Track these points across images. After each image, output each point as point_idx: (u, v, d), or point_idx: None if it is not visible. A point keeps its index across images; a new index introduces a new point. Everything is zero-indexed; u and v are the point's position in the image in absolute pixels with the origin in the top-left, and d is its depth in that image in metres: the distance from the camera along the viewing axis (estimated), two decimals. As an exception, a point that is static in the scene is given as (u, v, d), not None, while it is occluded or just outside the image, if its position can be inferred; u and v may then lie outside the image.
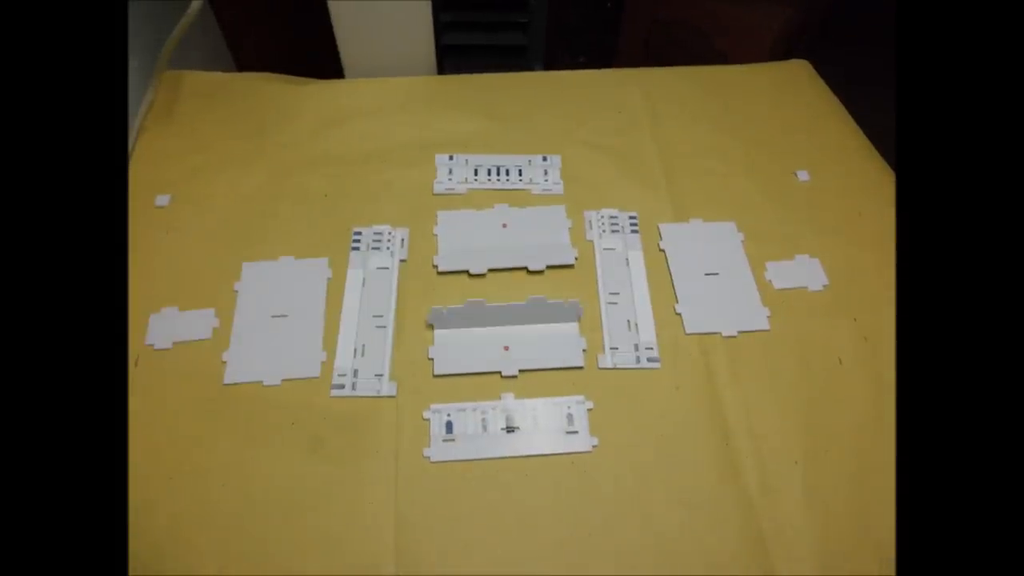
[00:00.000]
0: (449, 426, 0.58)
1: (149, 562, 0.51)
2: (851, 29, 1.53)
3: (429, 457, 0.57)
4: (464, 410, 0.59)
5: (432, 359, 0.62)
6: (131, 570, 0.46)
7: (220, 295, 0.65)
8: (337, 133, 0.81)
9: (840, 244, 0.72)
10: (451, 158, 0.78)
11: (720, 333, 0.65)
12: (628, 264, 0.69)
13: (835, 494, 0.56)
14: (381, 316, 0.64)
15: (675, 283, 0.68)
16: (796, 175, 0.79)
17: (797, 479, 0.56)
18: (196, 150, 0.78)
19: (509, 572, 0.52)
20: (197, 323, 0.63)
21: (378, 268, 0.68)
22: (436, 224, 0.71)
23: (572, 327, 0.64)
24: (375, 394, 0.60)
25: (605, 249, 0.70)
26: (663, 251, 0.71)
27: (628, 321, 0.65)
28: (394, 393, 0.60)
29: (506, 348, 0.63)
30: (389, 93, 0.87)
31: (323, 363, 0.61)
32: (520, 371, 0.61)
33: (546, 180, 0.77)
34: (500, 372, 0.61)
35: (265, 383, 0.60)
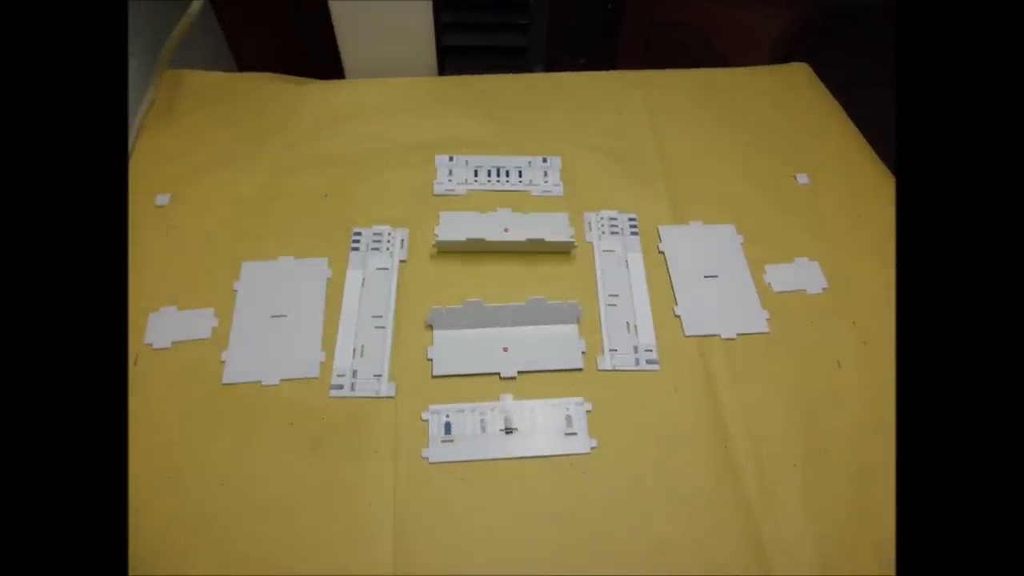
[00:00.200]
0: (448, 427, 0.58)
1: (148, 562, 0.51)
2: (851, 32, 1.53)
3: (427, 458, 0.57)
4: (463, 411, 0.59)
5: (431, 360, 0.62)
6: (131, 570, 0.46)
7: (219, 295, 0.65)
8: (337, 133, 0.81)
9: (839, 247, 0.72)
10: (451, 159, 0.78)
11: (719, 335, 0.65)
12: (627, 266, 0.69)
13: (834, 496, 0.56)
14: (380, 317, 0.64)
15: (674, 285, 0.68)
16: (796, 178, 0.79)
17: (796, 481, 0.56)
18: (196, 150, 0.78)
19: (507, 573, 0.52)
20: (196, 323, 0.63)
21: (378, 268, 0.68)
22: (438, 223, 0.71)
23: (571, 329, 0.64)
24: (374, 395, 0.60)
25: (604, 251, 0.70)
26: (662, 253, 0.71)
27: (627, 323, 0.65)
28: (393, 394, 0.60)
29: (505, 349, 0.63)
30: (390, 94, 0.87)
31: (322, 363, 0.61)
32: (519, 372, 0.61)
33: (546, 181, 0.77)
34: (499, 373, 0.61)
35: (264, 383, 0.60)
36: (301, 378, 0.61)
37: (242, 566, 0.51)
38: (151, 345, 0.62)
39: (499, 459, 0.57)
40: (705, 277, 0.69)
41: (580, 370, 0.62)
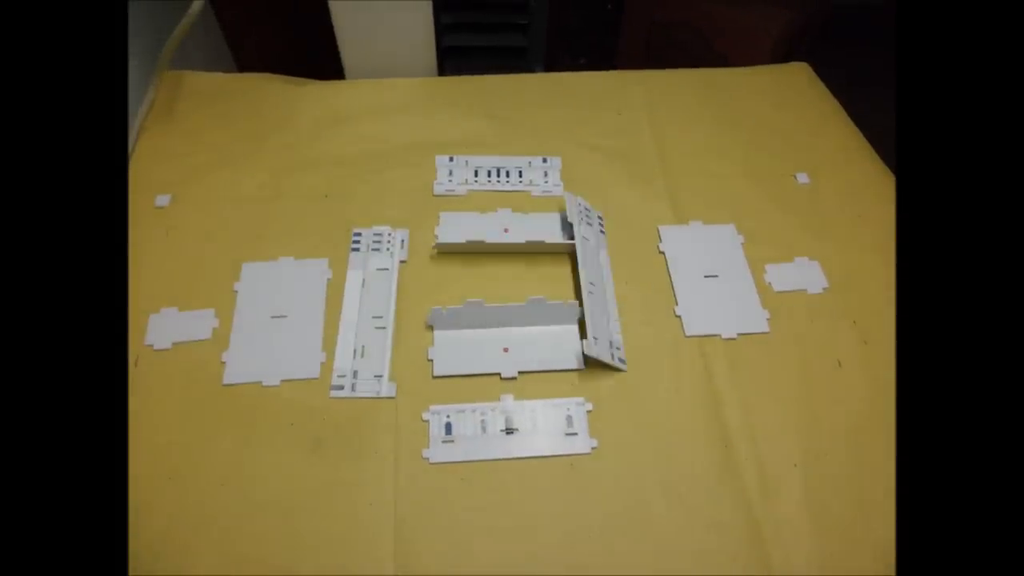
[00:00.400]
0: (448, 427, 0.58)
1: (148, 562, 0.51)
2: (851, 31, 1.53)
3: (428, 458, 0.57)
4: (463, 411, 0.59)
5: (431, 360, 0.62)
6: (131, 570, 0.46)
7: (220, 295, 0.65)
8: (337, 134, 0.81)
9: (840, 247, 0.72)
10: (451, 159, 0.78)
11: (720, 335, 0.65)
12: (600, 263, 0.69)
13: (834, 496, 0.56)
14: (381, 317, 0.64)
15: (675, 285, 0.68)
16: (796, 178, 0.79)
17: (796, 481, 0.56)
18: (196, 150, 0.78)
19: (508, 573, 0.52)
20: (197, 323, 0.63)
21: (378, 269, 0.68)
22: (438, 224, 0.71)
23: (572, 329, 0.64)
24: (374, 395, 0.60)
25: (583, 237, 0.69)
26: (663, 253, 0.71)
27: (606, 315, 0.65)
28: (393, 394, 0.60)
29: (505, 350, 0.63)
30: (390, 94, 0.87)
31: (323, 364, 0.61)
32: (519, 373, 0.61)
33: (546, 182, 0.77)
34: (499, 374, 0.61)
35: (264, 384, 0.60)
36: (302, 379, 0.61)
37: (242, 566, 0.51)
38: (152, 346, 0.62)
39: (500, 459, 0.57)
40: (705, 277, 0.69)
41: (581, 370, 0.62)
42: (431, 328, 0.64)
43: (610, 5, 1.43)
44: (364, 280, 0.67)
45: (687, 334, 0.65)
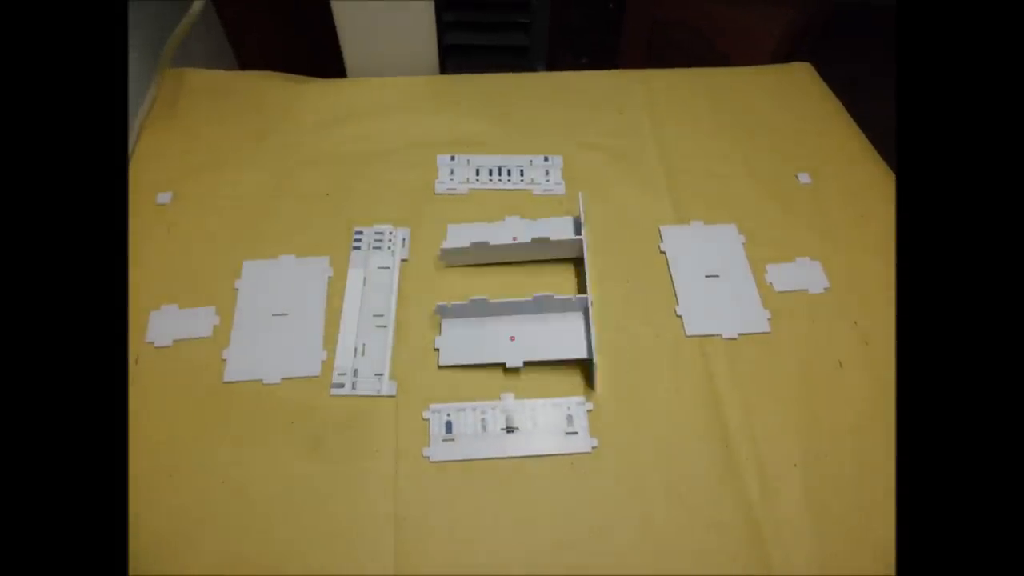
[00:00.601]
0: (449, 426, 0.58)
1: (149, 561, 0.51)
2: (853, 31, 1.53)
3: (428, 457, 0.57)
4: (464, 410, 0.59)
5: (438, 349, 0.62)
6: (131, 569, 0.46)
7: (221, 293, 0.65)
8: (339, 132, 0.81)
9: (841, 247, 0.72)
10: (452, 158, 0.78)
11: (720, 335, 0.65)
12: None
13: (834, 496, 0.56)
14: (382, 316, 0.64)
15: (675, 285, 0.68)
16: (797, 177, 0.79)
17: (797, 481, 0.56)
18: (198, 148, 0.78)
19: (508, 572, 0.52)
20: (197, 321, 0.63)
21: (379, 268, 0.68)
22: (445, 238, 0.71)
23: (578, 318, 0.64)
24: (375, 393, 0.60)
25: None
26: (663, 253, 0.71)
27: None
28: (394, 392, 0.60)
29: (512, 338, 0.62)
30: (391, 93, 0.87)
31: (323, 362, 0.61)
32: (525, 363, 0.61)
33: (547, 180, 0.77)
34: (504, 363, 0.61)
35: (265, 381, 0.60)
36: (302, 377, 0.61)
37: (242, 565, 0.51)
38: (152, 343, 0.62)
39: (500, 458, 0.57)
40: (706, 277, 0.69)
41: (586, 360, 0.61)
42: (434, 323, 0.63)
43: (612, 4, 1.43)
44: (365, 278, 0.67)
45: (688, 334, 0.65)
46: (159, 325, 0.63)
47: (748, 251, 0.71)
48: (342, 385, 0.60)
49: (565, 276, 0.69)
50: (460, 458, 0.57)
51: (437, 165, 0.78)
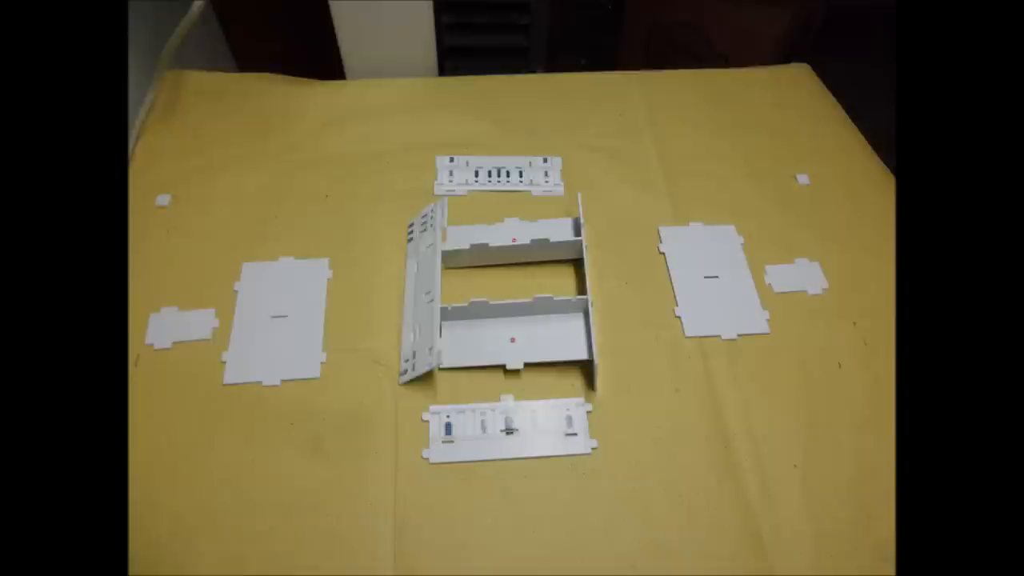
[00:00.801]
0: (448, 427, 0.58)
1: (149, 562, 0.51)
2: (852, 32, 1.53)
3: (428, 458, 0.57)
4: (463, 412, 0.59)
5: (438, 351, 0.61)
6: (131, 570, 0.46)
7: (220, 295, 0.65)
8: (338, 134, 0.81)
9: (840, 248, 0.72)
10: (452, 160, 0.78)
11: (720, 336, 0.65)
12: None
13: (834, 497, 0.56)
14: (429, 292, 0.63)
15: (675, 286, 0.68)
16: (796, 178, 0.79)
17: (796, 482, 0.56)
18: (197, 150, 0.78)
19: (508, 573, 0.52)
20: (197, 323, 0.63)
21: (427, 247, 0.67)
22: (444, 240, 0.70)
23: (578, 319, 0.64)
24: (429, 368, 0.59)
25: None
26: (663, 254, 0.71)
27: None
28: (442, 362, 0.60)
29: (512, 340, 0.62)
30: (390, 94, 0.87)
31: (323, 364, 0.61)
32: (526, 364, 0.61)
33: (547, 181, 0.77)
34: (505, 365, 0.61)
35: (265, 383, 0.60)
36: (302, 378, 0.60)
37: (242, 566, 0.51)
38: (152, 346, 0.62)
39: (500, 460, 0.57)
40: (705, 278, 0.69)
41: (587, 361, 0.61)
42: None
43: (610, 5, 1.42)
44: (417, 264, 0.67)
45: (687, 335, 0.65)
46: (158, 327, 0.63)
47: (747, 252, 0.71)
48: (406, 371, 0.60)
49: (564, 277, 0.69)
50: (460, 460, 0.57)
51: (436, 167, 0.78)
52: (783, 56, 1.19)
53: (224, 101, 0.84)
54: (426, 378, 0.61)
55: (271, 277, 0.67)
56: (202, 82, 0.86)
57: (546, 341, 0.63)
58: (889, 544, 0.53)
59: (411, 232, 0.71)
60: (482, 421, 0.59)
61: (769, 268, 0.70)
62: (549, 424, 0.59)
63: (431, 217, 0.70)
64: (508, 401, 0.60)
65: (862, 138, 0.85)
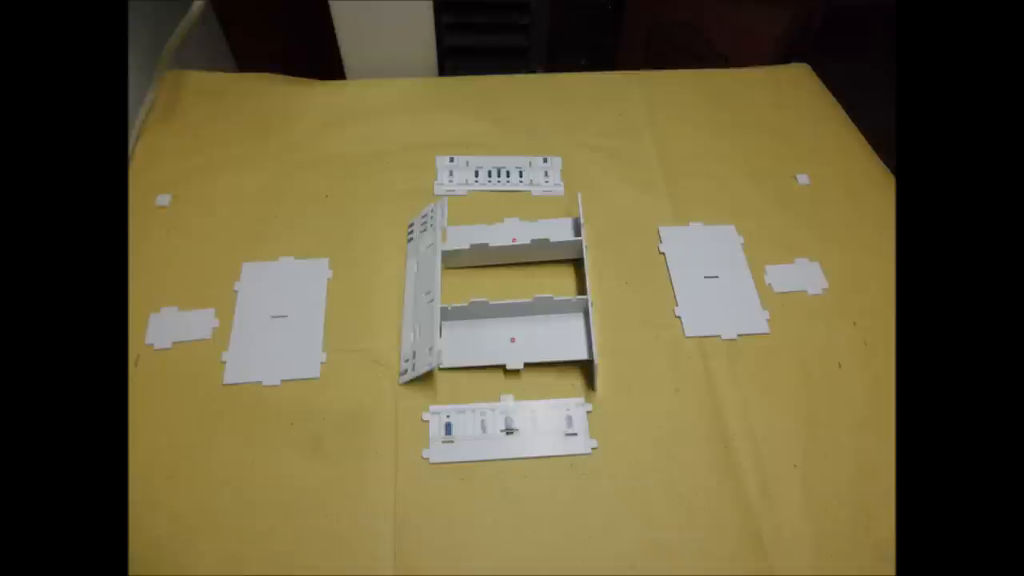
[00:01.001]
0: (448, 427, 0.58)
1: (149, 562, 0.51)
2: (852, 32, 1.53)
3: (428, 458, 0.57)
4: (463, 412, 0.59)
5: (438, 351, 0.61)
6: (131, 570, 0.46)
7: (220, 295, 0.65)
8: (338, 134, 0.81)
9: (840, 248, 0.72)
10: (452, 160, 0.78)
11: (720, 336, 0.65)
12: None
13: (834, 497, 0.56)
14: (429, 292, 0.63)
15: (675, 286, 0.68)
16: (796, 179, 0.79)
17: (796, 482, 0.56)
18: (197, 150, 0.78)
19: (508, 573, 0.52)
20: (197, 323, 0.63)
21: (427, 247, 0.67)
22: (444, 240, 0.70)
23: (578, 319, 0.64)
24: (429, 368, 0.59)
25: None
26: (663, 254, 0.71)
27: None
28: (441, 362, 0.60)
29: (512, 340, 0.62)
30: (390, 94, 0.87)
31: (323, 364, 0.61)
32: (526, 364, 0.61)
33: (547, 181, 0.77)
34: (505, 365, 0.61)
35: (265, 383, 0.60)
36: (302, 378, 0.60)
37: (242, 566, 0.51)
38: (152, 346, 0.62)
39: (500, 460, 0.57)
40: (705, 278, 0.69)
41: (587, 361, 0.61)
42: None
43: (610, 5, 1.42)
44: (417, 264, 0.67)
45: (687, 335, 0.65)
46: (158, 327, 0.63)
47: (747, 252, 0.71)
48: (406, 371, 0.60)
49: (564, 277, 0.69)
50: (460, 459, 0.57)
51: (436, 167, 0.78)
52: (783, 56, 1.19)
53: (224, 101, 0.84)
54: (426, 378, 0.60)
55: (271, 277, 0.67)
56: (202, 82, 0.86)
57: (546, 341, 0.63)
58: (889, 544, 0.53)
59: (411, 232, 0.71)
60: (482, 421, 0.59)
61: (769, 268, 0.70)
62: (549, 424, 0.59)
63: (431, 217, 0.70)
64: (508, 401, 0.60)
65: (862, 138, 0.85)
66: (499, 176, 0.77)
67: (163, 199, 0.73)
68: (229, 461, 0.56)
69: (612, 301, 0.67)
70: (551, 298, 0.62)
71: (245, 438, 0.57)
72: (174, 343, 0.62)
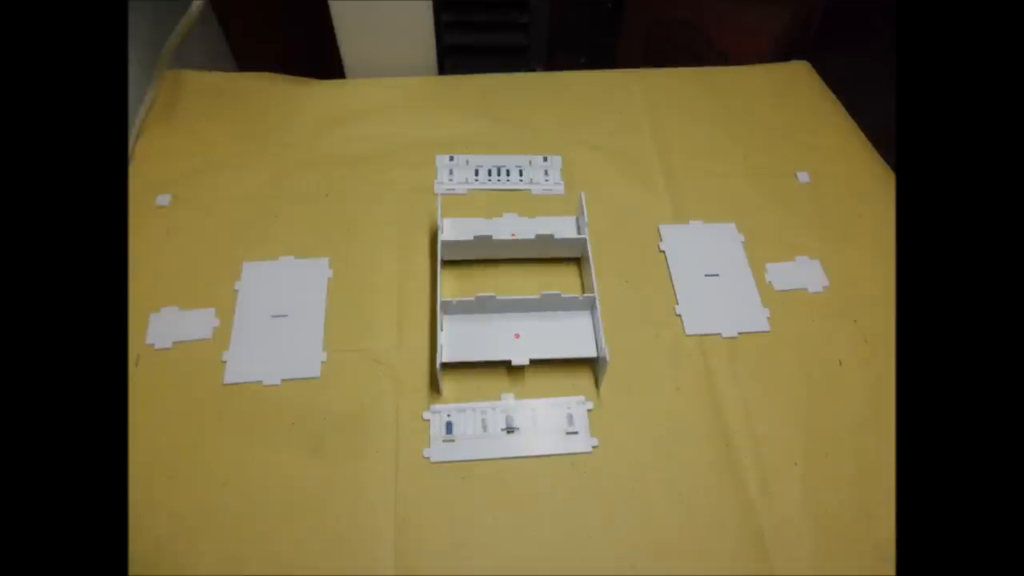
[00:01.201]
0: (449, 426, 0.58)
1: (149, 562, 0.51)
2: (851, 30, 1.53)
3: (429, 458, 0.57)
4: (464, 411, 0.59)
5: (441, 346, 0.61)
6: (131, 570, 0.46)
7: (220, 295, 0.65)
8: (338, 133, 0.81)
9: (840, 245, 0.72)
10: (451, 159, 0.78)
11: (720, 334, 0.65)
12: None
13: (835, 495, 0.56)
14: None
15: (675, 284, 0.68)
16: (796, 176, 0.79)
17: (797, 480, 0.56)
18: (197, 150, 0.78)
19: (508, 572, 0.52)
20: (197, 323, 0.63)
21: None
22: (442, 230, 0.69)
23: (584, 316, 0.64)
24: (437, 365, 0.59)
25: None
26: (663, 252, 0.71)
27: None
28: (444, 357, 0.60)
29: (517, 336, 0.62)
30: (390, 93, 0.87)
31: (323, 363, 0.61)
32: (531, 360, 0.60)
33: (547, 180, 0.77)
34: (510, 361, 0.60)
35: (265, 383, 0.60)
36: (302, 378, 0.60)
37: (243, 566, 0.51)
38: (152, 345, 0.62)
39: (501, 458, 0.57)
40: (706, 276, 0.69)
41: (593, 359, 0.61)
42: (435, 320, 0.63)
43: (610, 3, 1.42)
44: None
45: (687, 333, 0.65)
46: (159, 327, 0.63)
47: (747, 250, 0.71)
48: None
49: (565, 275, 0.69)
50: (461, 459, 0.57)
51: (436, 165, 0.78)
52: (783, 54, 1.18)
53: (223, 101, 0.84)
54: (424, 377, 0.61)
55: (271, 277, 0.67)
56: (201, 82, 0.86)
57: (552, 338, 0.62)
58: (889, 544, 0.53)
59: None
60: (483, 420, 0.59)
61: (769, 266, 0.70)
62: (550, 423, 0.59)
63: None
64: (509, 400, 0.60)
65: (862, 135, 0.84)
66: (499, 175, 0.77)
67: (163, 199, 0.73)
68: (229, 461, 0.56)
69: (612, 299, 0.67)
70: (559, 295, 0.62)
71: (245, 438, 0.57)
72: (174, 343, 0.62)
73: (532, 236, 0.67)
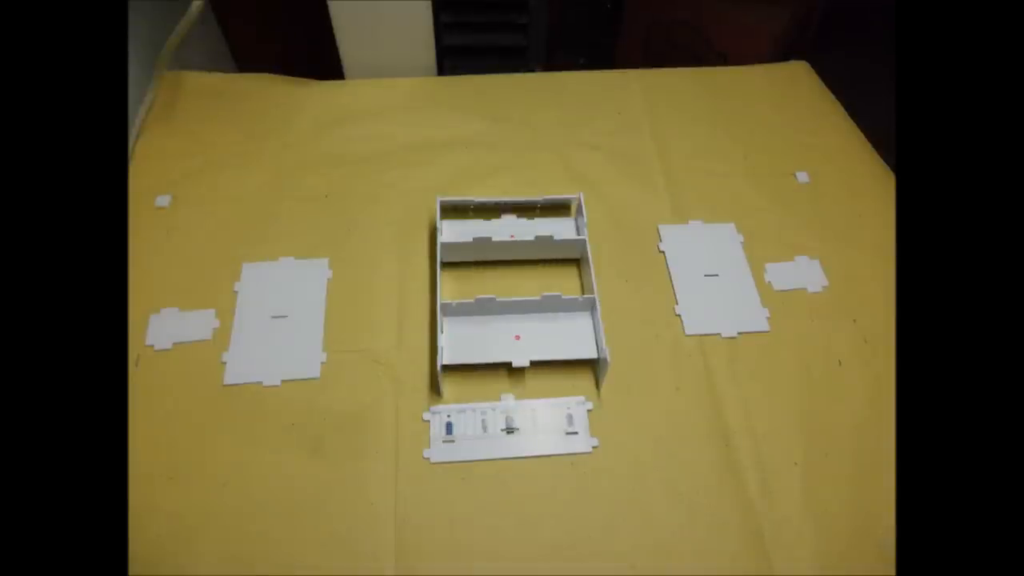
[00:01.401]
0: (449, 427, 0.58)
1: (149, 562, 0.51)
2: (851, 30, 1.53)
3: (429, 458, 0.57)
4: (464, 411, 0.59)
5: (441, 347, 0.61)
6: (131, 570, 0.46)
7: (220, 296, 0.65)
8: (337, 134, 0.81)
9: (840, 245, 0.72)
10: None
11: (720, 334, 0.65)
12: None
13: (834, 495, 0.56)
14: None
15: (675, 284, 0.68)
16: (796, 176, 0.79)
17: (796, 480, 0.56)
18: (197, 151, 0.78)
19: (508, 573, 0.52)
20: (197, 324, 0.63)
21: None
22: (440, 233, 0.68)
23: (585, 317, 0.64)
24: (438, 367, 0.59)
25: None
26: (663, 252, 0.71)
27: None
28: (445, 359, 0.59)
29: (517, 337, 0.62)
30: (389, 94, 0.87)
31: (323, 364, 0.61)
32: (532, 362, 0.60)
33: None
34: (511, 363, 0.60)
35: (265, 384, 0.60)
36: (302, 379, 0.60)
37: (242, 567, 0.51)
38: (152, 346, 0.62)
39: (500, 459, 0.57)
40: (705, 276, 0.69)
41: (594, 360, 0.61)
42: (434, 323, 0.63)
43: (609, 4, 1.42)
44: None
45: (687, 333, 0.65)
46: (159, 328, 0.63)
47: (747, 250, 0.71)
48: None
49: (565, 276, 0.69)
50: (461, 459, 0.57)
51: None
52: (782, 54, 1.18)
53: (223, 102, 0.84)
54: (424, 377, 0.61)
55: (271, 277, 0.67)
56: (201, 83, 0.86)
57: (553, 339, 0.62)
58: (889, 544, 0.53)
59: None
60: (483, 420, 0.59)
61: (769, 266, 0.70)
62: (550, 423, 0.59)
63: None
64: (509, 400, 0.60)
65: (862, 135, 0.85)
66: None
67: (163, 200, 0.73)
68: (229, 461, 0.56)
69: (612, 300, 0.67)
70: (559, 296, 0.62)
71: (245, 438, 0.57)
72: (174, 344, 0.62)
73: (531, 238, 0.67)
